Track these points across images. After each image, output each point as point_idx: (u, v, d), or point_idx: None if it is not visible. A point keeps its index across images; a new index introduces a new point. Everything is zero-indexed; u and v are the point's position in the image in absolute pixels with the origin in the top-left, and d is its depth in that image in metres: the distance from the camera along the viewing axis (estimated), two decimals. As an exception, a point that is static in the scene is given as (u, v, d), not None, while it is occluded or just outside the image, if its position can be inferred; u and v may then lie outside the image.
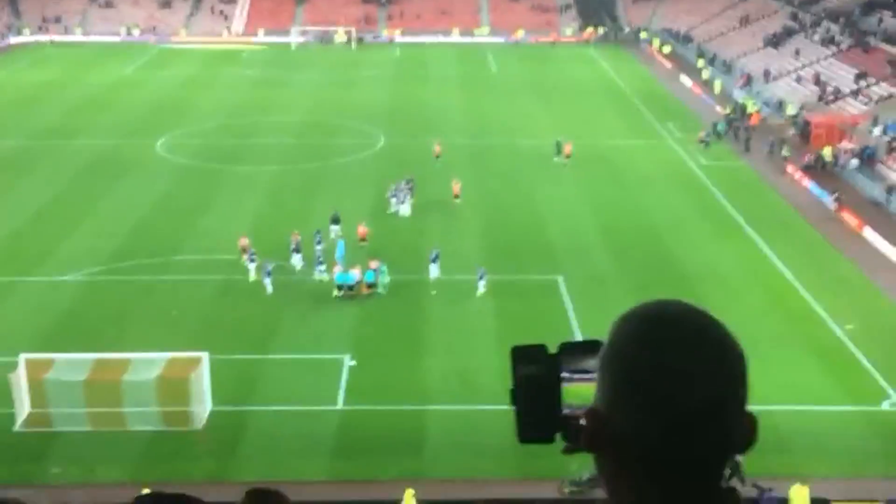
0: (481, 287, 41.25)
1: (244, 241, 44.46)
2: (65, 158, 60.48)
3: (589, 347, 2.19)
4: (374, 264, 41.84)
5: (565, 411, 2.11)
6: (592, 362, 2.12)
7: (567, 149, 59.75)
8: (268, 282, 41.17)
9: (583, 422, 2.03)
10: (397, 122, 69.49)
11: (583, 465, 27.69)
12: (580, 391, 2.11)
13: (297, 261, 43.53)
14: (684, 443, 1.91)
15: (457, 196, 51.67)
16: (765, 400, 33.24)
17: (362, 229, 46.11)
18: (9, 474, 29.59)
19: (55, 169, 58.45)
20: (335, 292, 41.02)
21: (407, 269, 43.47)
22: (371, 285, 40.98)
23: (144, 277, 42.96)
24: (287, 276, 42.98)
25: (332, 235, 45.70)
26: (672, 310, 2.02)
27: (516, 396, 2.18)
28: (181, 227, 48.63)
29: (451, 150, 61.51)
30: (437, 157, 59.48)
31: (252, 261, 42.22)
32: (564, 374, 2.16)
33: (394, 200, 50.96)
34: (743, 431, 1.97)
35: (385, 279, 41.46)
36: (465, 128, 68.14)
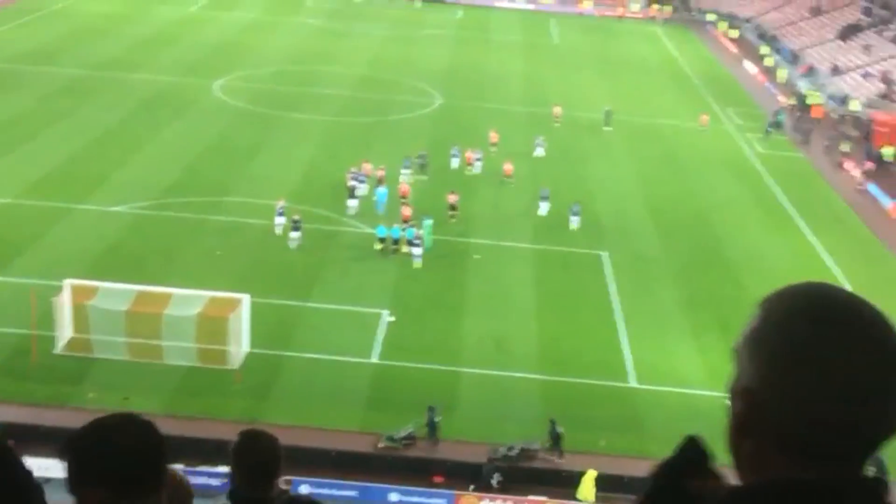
0: (575, 222, 44.50)
1: (367, 166, 47.09)
2: (124, 91, 60.97)
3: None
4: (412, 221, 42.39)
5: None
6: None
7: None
8: (295, 235, 40.83)
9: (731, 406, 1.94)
10: (455, 85, 69.17)
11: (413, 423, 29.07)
12: None
13: (362, 190, 45.23)
14: (847, 424, 1.84)
15: (508, 176, 50.34)
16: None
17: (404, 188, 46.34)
18: (47, 395, 30.21)
19: (114, 100, 58.96)
20: (377, 245, 41.10)
21: (453, 231, 43.49)
22: (410, 243, 40.85)
23: (193, 215, 43.34)
24: (332, 226, 43.18)
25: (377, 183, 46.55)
26: (830, 289, 1.96)
27: None
28: (233, 169, 48.94)
29: (507, 118, 61.21)
30: (557, 119, 61.15)
31: (281, 214, 41.65)
32: None
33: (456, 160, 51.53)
34: None
35: (429, 238, 41.44)
36: (523, 96, 67.69)
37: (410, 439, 29.11)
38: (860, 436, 1.86)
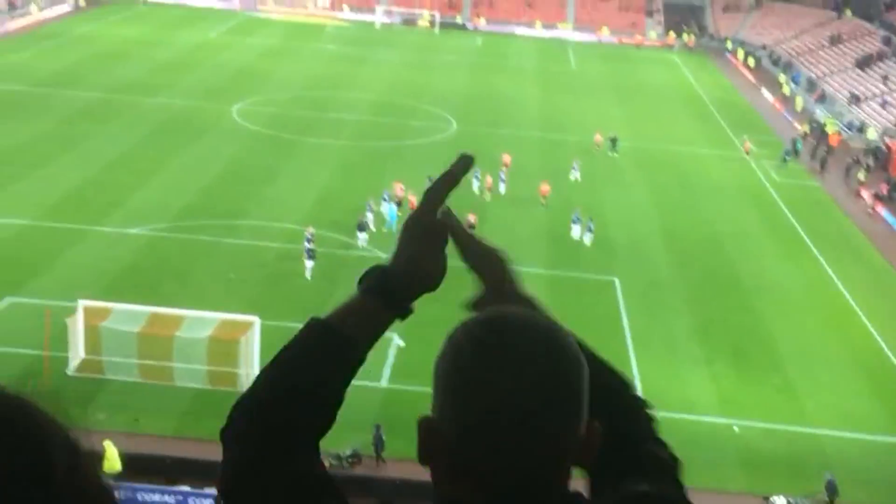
0: (588, 239, 45.93)
1: (399, 186, 47.63)
2: (142, 114, 61.57)
3: None
4: None
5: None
6: None
7: None
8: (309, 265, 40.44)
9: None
10: (472, 111, 69.45)
11: (354, 441, 28.35)
12: None
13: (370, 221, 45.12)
14: (511, 451, 1.83)
15: (545, 196, 51.30)
16: (813, 422, 32.84)
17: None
18: (56, 415, 30.29)
19: (132, 124, 59.52)
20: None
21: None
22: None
23: (207, 238, 43.60)
24: (347, 250, 43.34)
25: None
26: (510, 316, 1.94)
27: None
28: (248, 193, 49.24)
29: (521, 143, 61.37)
30: (598, 145, 61.63)
31: (309, 241, 41.32)
32: None
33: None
34: (581, 441, 1.90)
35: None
36: (539, 122, 67.86)
37: (356, 458, 29.02)
38: (526, 462, 1.84)
